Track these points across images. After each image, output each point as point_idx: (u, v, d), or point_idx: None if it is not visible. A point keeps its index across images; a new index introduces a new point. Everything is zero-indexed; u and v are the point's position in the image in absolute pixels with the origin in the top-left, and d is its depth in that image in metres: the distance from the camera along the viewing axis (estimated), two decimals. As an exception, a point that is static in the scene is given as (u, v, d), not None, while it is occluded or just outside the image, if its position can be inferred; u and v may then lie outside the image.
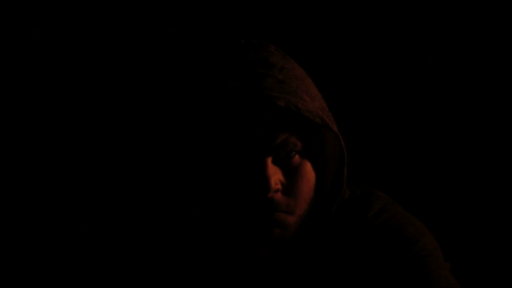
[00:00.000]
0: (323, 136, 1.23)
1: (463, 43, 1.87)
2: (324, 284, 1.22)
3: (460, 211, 1.87)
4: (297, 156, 1.18)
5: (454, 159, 1.89)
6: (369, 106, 1.91)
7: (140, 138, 1.86)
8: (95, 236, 1.78)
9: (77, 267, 1.75)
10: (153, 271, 1.25)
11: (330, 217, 1.25)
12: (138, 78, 1.89)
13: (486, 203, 1.86)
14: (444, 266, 1.21)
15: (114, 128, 1.88)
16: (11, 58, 1.84)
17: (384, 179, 1.87)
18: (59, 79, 1.86)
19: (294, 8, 1.92)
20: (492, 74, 1.86)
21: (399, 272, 1.17)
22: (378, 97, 1.91)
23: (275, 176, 1.15)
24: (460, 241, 1.82)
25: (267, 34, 1.65)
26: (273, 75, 1.17)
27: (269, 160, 1.15)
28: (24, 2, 1.83)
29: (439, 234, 1.31)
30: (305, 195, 1.19)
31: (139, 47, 1.89)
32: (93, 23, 1.87)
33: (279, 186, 1.16)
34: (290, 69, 1.21)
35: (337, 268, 1.22)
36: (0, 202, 1.82)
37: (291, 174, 1.17)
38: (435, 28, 1.88)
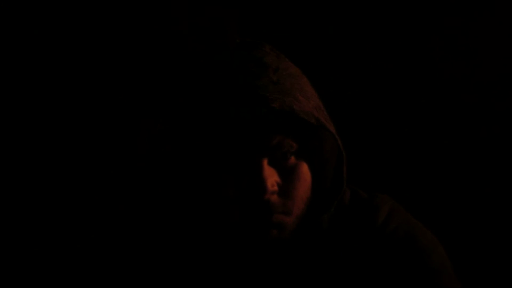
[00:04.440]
0: (321, 134, 1.22)
1: (462, 44, 1.87)
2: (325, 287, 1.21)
3: (460, 211, 1.87)
4: (293, 157, 1.17)
5: (452, 159, 1.88)
6: (366, 105, 1.91)
7: (137, 140, 1.86)
8: (97, 237, 1.78)
9: (79, 267, 1.75)
10: (153, 272, 1.25)
11: (332, 219, 1.24)
12: (134, 80, 1.89)
13: (485, 203, 1.86)
14: (457, 283, 1.20)
15: (112, 131, 1.88)
16: (11, 59, 1.84)
17: (383, 178, 1.87)
18: (60, 80, 1.86)
19: (289, 7, 1.92)
20: (491, 74, 1.86)
21: (412, 286, 1.15)
22: (375, 96, 1.91)
23: (272, 177, 1.15)
24: (459, 242, 1.81)
25: (262, 33, 1.64)
26: (268, 75, 1.16)
27: (265, 161, 1.15)
28: (24, 2, 1.83)
29: (438, 234, 1.31)
30: (302, 195, 1.18)
31: (136, 49, 1.89)
32: (93, 23, 1.87)
33: (275, 188, 1.15)
34: (285, 69, 1.21)
35: (340, 273, 1.21)
36: (1, 202, 1.82)
37: (288, 175, 1.17)
38: (435, 28, 1.88)
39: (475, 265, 1.79)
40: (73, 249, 1.79)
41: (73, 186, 1.85)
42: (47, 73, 1.85)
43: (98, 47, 1.87)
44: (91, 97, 1.87)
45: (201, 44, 1.86)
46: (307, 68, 1.26)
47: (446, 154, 1.88)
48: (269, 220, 1.15)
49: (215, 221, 1.20)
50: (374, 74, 1.91)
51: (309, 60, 1.32)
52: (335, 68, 1.90)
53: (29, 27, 1.84)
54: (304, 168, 1.19)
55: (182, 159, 1.22)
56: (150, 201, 1.69)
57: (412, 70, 1.89)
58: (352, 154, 1.28)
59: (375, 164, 1.89)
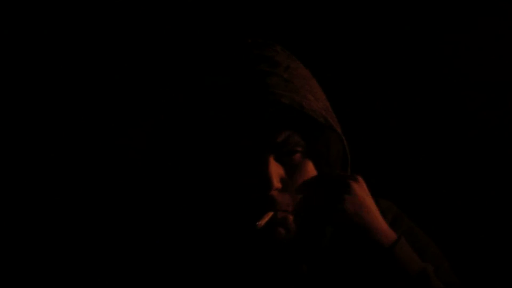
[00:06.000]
0: (328, 137, 1.23)
1: (464, 45, 1.88)
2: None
3: (463, 212, 1.87)
4: (299, 155, 1.17)
5: (457, 161, 1.89)
6: (372, 107, 1.91)
7: (141, 136, 1.86)
8: (99, 237, 1.78)
9: (79, 267, 1.75)
10: (154, 272, 1.24)
11: None
12: (140, 78, 1.89)
13: (486, 204, 1.87)
14: None
15: (114, 128, 1.88)
16: (10, 58, 1.84)
17: (386, 180, 1.87)
18: (58, 79, 1.86)
19: (299, 9, 1.92)
20: (492, 75, 1.87)
21: None
22: (380, 98, 1.91)
23: (277, 173, 1.15)
24: (458, 243, 1.82)
25: (272, 35, 1.64)
26: (278, 73, 1.17)
27: (271, 157, 1.15)
28: (24, 2, 1.84)
29: (440, 236, 1.32)
30: None
31: (142, 47, 1.89)
32: (93, 23, 1.87)
33: (279, 185, 1.15)
34: (295, 69, 1.22)
35: (344, 277, 1.21)
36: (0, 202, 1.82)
37: (293, 173, 1.17)
38: (437, 29, 1.88)
39: (474, 270, 1.80)
40: (73, 249, 1.79)
41: (73, 186, 1.85)
42: (45, 73, 1.86)
43: (96, 46, 1.88)
44: (92, 95, 1.87)
45: (211, 43, 1.87)
46: (315, 70, 1.27)
47: (452, 156, 1.89)
48: (273, 216, 1.15)
49: (219, 217, 1.20)
50: (380, 76, 1.91)
51: (318, 63, 1.32)
52: (341, 70, 1.91)
53: (29, 26, 1.85)
54: (310, 167, 1.19)
55: (189, 153, 1.22)
56: (152, 199, 1.69)
57: (420, 71, 1.90)
58: (355, 157, 1.28)
59: (378, 167, 1.89)
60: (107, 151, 1.86)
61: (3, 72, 1.84)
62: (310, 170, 1.19)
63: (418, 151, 1.89)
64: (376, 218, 1.14)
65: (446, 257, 1.28)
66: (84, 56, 1.87)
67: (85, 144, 1.86)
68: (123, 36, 1.88)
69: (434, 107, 1.89)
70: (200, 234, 1.24)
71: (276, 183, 1.14)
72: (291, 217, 1.16)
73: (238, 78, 1.17)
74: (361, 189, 1.15)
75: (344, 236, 1.22)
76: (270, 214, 1.14)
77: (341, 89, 1.83)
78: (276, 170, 1.15)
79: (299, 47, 1.31)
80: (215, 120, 1.16)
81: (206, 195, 1.20)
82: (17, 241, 1.79)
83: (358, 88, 1.91)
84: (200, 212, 1.24)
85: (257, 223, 1.12)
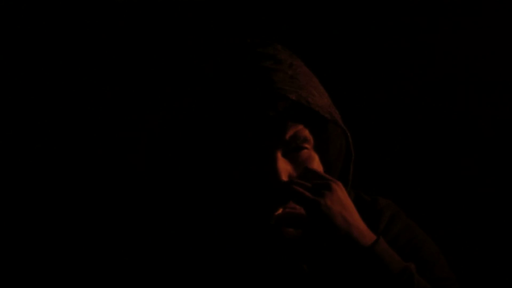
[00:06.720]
0: (328, 135, 1.24)
1: (464, 45, 1.88)
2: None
3: (463, 212, 1.88)
4: (306, 150, 1.18)
5: (457, 161, 1.89)
6: (372, 107, 1.92)
7: (144, 136, 1.86)
8: (102, 236, 1.78)
9: (80, 267, 1.74)
10: (162, 271, 1.24)
11: None
12: (141, 78, 1.89)
13: (486, 204, 1.87)
14: None
15: (117, 128, 1.88)
16: (10, 58, 1.84)
17: (386, 180, 1.87)
18: (60, 80, 1.86)
19: (299, 9, 1.93)
20: (492, 75, 1.87)
21: None
22: (380, 98, 1.92)
23: (285, 170, 1.15)
24: (457, 241, 1.83)
25: (271, 35, 1.64)
26: (283, 70, 1.17)
27: (279, 153, 1.15)
28: (24, 2, 1.84)
29: (439, 235, 1.32)
30: None
31: (144, 47, 1.89)
32: (95, 23, 1.87)
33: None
34: (299, 66, 1.22)
35: (342, 274, 1.21)
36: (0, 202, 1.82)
37: (300, 169, 1.17)
38: (437, 28, 1.89)
39: (474, 269, 1.80)
40: (74, 249, 1.78)
41: (75, 186, 1.84)
42: (46, 73, 1.85)
43: (99, 47, 1.88)
44: (94, 96, 1.87)
45: (214, 43, 1.87)
46: (314, 70, 1.27)
47: (452, 155, 1.89)
48: (282, 213, 1.14)
49: (228, 216, 1.19)
50: (380, 75, 1.91)
51: (317, 62, 1.33)
52: (341, 69, 1.91)
53: (27, 26, 1.84)
54: (317, 162, 1.19)
55: (196, 152, 1.22)
56: (156, 198, 1.69)
57: (420, 71, 1.90)
58: (355, 156, 1.28)
59: (378, 166, 1.89)
60: (110, 151, 1.86)
61: (3, 72, 1.84)
62: (317, 166, 1.19)
63: (418, 151, 1.89)
64: (357, 220, 1.13)
65: (444, 254, 1.29)
66: (86, 57, 1.86)
67: (87, 144, 1.85)
68: (125, 36, 1.88)
69: (434, 106, 1.89)
70: (206, 231, 1.23)
71: (285, 178, 1.14)
72: (299, 214, 1.16)
73: (243, 76, 1.17)
74: (341, 191, 1.14)
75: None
76: (280, 211, 1.14)
77: (341, 88, 1.83)
78: (284, 166, 1.15)
79: (299, 46, 1.32)
80: (222, 118, 1.16)
81: (215, 193, 1.20)
82: (17, 241, 1.79)
83: (358, 87, 1.91)
84: (207, 209, 1.23)
85: (267, 220, 1.12)
